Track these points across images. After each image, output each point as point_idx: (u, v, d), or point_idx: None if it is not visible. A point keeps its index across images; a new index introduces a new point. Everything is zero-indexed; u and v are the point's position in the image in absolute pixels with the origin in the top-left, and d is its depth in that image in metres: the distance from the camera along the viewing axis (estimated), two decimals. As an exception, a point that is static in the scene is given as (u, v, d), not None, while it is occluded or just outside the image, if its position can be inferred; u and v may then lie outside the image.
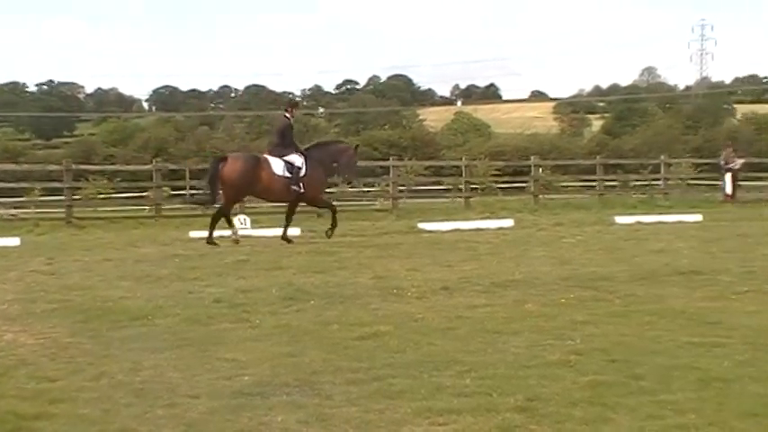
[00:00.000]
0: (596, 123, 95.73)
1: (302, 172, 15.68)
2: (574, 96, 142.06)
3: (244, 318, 8.25)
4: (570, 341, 6.95)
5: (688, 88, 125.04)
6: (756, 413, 4.99)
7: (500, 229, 17.68)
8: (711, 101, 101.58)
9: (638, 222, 17.89)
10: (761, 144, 62.27)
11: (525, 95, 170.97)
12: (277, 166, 15.63)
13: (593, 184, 29.56)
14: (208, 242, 15.18)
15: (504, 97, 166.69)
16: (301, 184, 15.66)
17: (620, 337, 7.13)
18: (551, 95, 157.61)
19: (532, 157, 28.02)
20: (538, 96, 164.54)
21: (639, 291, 9.49)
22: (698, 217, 19.85)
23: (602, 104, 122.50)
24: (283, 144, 15.88)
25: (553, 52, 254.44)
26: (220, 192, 15.88)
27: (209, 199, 16.36)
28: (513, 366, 6.19)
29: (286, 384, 5.83)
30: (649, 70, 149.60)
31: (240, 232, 16.16)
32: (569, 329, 7.41)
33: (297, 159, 15.73)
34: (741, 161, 28.37)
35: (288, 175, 15.60)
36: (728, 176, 26.96)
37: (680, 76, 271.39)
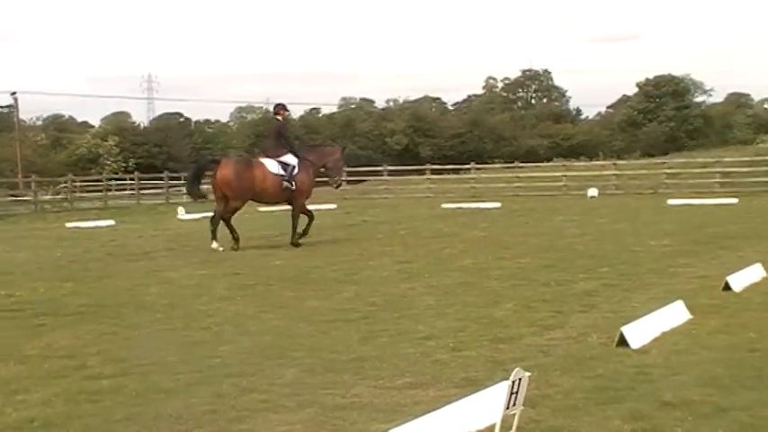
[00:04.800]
0: None
1: (295, 171, 16.19)
2: None
3: None
4: None
5: None
6: None
7: None
8: None
9: None
10: None
11: None
12: (272, 165, 16.12)
13: None
14: (232, 239, 15.90)
15: None
16: (294, 182, 16.11)
17: None
18: None
19: None
20: None
21: None
22: None
23: None
24: (278, 145, 16.31)
25: None
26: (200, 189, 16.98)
27: (190, 189, 17.48)
28: None
29: None
30: None
31: None
32: None
33: (291, 159, 16.27)
34: None
35: (282, 173, 16.06)
36: None
37: None
